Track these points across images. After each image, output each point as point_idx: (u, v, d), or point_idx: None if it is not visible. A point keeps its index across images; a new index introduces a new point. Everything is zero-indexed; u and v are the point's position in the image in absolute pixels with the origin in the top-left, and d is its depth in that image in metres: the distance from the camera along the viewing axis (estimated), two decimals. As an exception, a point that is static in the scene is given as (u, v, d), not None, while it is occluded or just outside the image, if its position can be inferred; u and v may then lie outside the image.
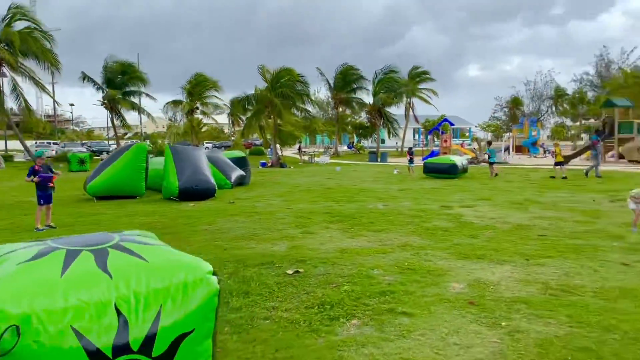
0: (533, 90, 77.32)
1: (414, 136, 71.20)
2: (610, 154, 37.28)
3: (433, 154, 41.97)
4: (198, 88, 40.11)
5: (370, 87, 46.56)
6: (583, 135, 68.11)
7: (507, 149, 51.26)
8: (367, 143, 63.12)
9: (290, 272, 6.79)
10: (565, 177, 20.90)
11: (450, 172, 21.94)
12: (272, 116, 36.25)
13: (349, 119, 51.81)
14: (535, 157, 44.15)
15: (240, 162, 19.79)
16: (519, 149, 47.88)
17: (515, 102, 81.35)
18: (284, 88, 35.64)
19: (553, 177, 21.55)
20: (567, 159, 37.21)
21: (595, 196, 14.78)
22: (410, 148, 27.26)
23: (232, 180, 18.16)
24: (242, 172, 19.11)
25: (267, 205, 13.97)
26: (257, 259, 7.53)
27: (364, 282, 6.28)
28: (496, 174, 22.68)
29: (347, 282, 6.29)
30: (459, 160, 22.61)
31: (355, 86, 48.24)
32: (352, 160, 43.64)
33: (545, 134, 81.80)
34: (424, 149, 46.69)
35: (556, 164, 22.12)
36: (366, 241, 8.82)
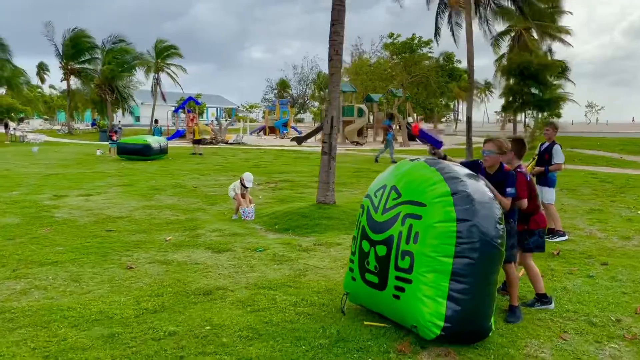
0: (300, 74, 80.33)
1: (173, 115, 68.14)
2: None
3: (178, 133, 40.30)
4: None
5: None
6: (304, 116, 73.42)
7: (262, 129, 52.17)
8: (123, 120, 58.19)
9: None
10: (201, 154, 23.00)
11: (144, 153, 20.27)
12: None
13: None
14: (282, 137, 45.23)
15: None
16: (272, 130, 48.93)
17: (282, 85, 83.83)
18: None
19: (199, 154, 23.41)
20: (303, 138, 38.86)
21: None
22: (114, 126, 24.80)
23: None
24: None
25: None
26: None
27: None
28: (200, 154, 22.39)
29: None
30: (155, 140, 21.04)
31: (89, 56, 43.49)
32: (85, 139, 39.15)
33: (310, 117, 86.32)
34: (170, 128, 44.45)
35: (194, 142, 24.85)
36: None
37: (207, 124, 44.84)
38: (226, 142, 35.39)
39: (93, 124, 56.66)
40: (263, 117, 62.48)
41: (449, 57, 37.40)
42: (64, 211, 9.50)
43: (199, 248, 7.03)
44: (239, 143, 35.22)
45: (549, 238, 7.44)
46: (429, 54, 37.73)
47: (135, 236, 7.68)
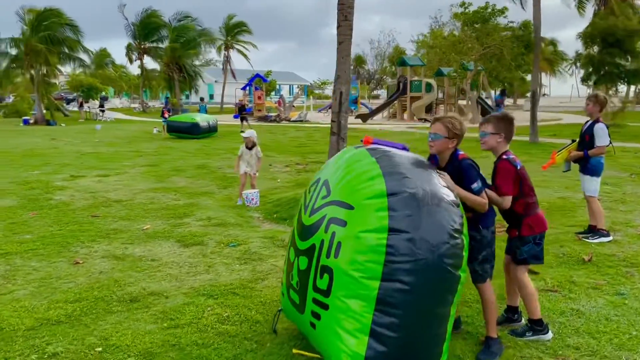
0: (377, 49, 78.41)
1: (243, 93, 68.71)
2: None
3: (247, 110, 40.29)
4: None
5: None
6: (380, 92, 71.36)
7: (330, 106, 51.32)
8: (196, 98, 59.33)
9: None
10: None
11: (192, 131, 20.02)
12: (34, 66, 31.48)
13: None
14: (351, 114, 44.07)
15: None
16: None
17: (358, 61, 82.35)
18: (49, 31, 31.04)
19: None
20: (368, 115, 37.63)
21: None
22: (166, 104, 24.85)
23: None
24: None
25: None
26: None
27: None
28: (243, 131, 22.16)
29: None
30: (203, 119, 20.71)
31: (161, 35, 44.26)
32: (155, 117, 40.03)
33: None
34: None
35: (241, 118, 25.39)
36: None
37: (274, 102, 44.71)
38: (289, 120, 34.86)
39: (166, 102, 58.16)
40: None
41: (525, 25, 34.27)
42: (67, 194, 9.14)
43: (169, 240, 6.30)
44: (301, 121, 34.57)
45: (587, 238, 6.04)
46: (510, 25, 34.86)
47: (116, 223, 7.10)
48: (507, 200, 3.56)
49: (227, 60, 50.79)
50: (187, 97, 41.37)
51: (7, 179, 10.53)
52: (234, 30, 50.15)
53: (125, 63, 59.08)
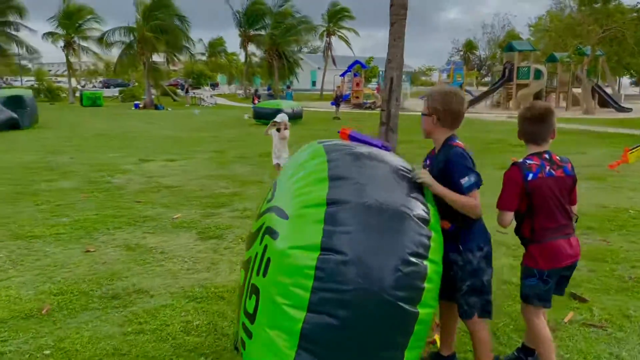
0: (490, 33, 74.47)
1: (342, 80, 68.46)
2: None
3: (344, 97, 40.04)
4: (74, 18, 36.53)
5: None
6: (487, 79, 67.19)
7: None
8: (298, 85, 60.12)
9: None
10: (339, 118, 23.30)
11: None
12: (145, 53, 33.36)
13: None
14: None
15: (12, 102, 17.43)
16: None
17: (469, 46, 78.90)
18: (158, 20, 32.68)
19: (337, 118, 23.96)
20: (470, 103, 35.78)
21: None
22: (256, 90, 25.20)
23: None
24: (10, 114, 16.87)
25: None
26: None
27: None
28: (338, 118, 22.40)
29: None
30: (288, 105, 20.66)
31: (265, 22, 45.05)
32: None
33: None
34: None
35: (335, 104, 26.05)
36: None
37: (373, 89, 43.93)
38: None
39: (269, 89, 59.48)
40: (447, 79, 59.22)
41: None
42: (125, 177, 9.30)
43: (191, 231, 6.05)
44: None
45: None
46: (638, 5, 31.09)
47: (152, 210, 7.01)
48: (504, 217, 2.78)
49: (328, 46, 50.66)
50: (289, 84, 41.70)
51: (81, 160, 11.02)
52: (336, 17, 49.85)
53: (238, 51, 61.29)
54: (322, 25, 49.14)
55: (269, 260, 2.49)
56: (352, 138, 3.10)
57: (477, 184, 2.64)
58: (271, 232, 2.56)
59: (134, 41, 34.26)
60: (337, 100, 27.48)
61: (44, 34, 37.47)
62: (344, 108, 30.81)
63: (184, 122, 21.85)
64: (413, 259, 2.33)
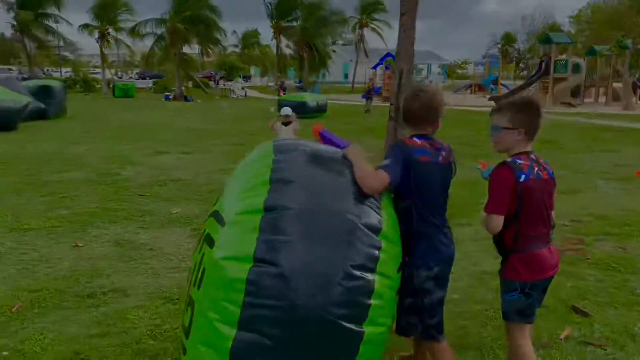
0: (529, 26, 72.37)
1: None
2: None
3: (376, 90, 39.55)
4: (108, 10, 37.05)
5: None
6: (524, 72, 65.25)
7: (469, 86, 48.48)
8: (329, 78, 59.78)
9: None
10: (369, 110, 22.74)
11: (300, 110, 19.76)
12: (176, 45, 33.62)
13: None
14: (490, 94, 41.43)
15: (41, 92, 17.71)
16: (480, 88, 45.40)
17: (507, 39, 76.94)
18: (190, 11, 32.88)
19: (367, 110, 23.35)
20: (502, 98, 34.80)
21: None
22: (282, 82, 25.08)
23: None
24: (37, 104, 17.14)
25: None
26: None
27: None
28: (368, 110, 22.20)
29: None
30: (313, 98, 20.45)
31: (296, 14, 44.82)
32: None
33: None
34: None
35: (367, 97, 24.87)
36: None
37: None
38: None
39: (299, 82, 59.33)
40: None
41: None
42: (135, 170, 9.25)
43: (186, 228, 5.92)
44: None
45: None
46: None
47: (154, 204, 6.91)
48: (493, 222, 2.48)
49: (361, 39, 50.13)
50: (322, 76, 41.43)
51: (96, 151, 11.06)
52: (369, 9, 49.26)
53: (271, 43, 61.47)
54: (355, 17, 48.62)
55: (204, 270, 2.28)
56: (322, 136, 2.89)
57: (391, 168, 2.41)
58: (209, 240, 2.35)
59: (165, 32, 34.59)
60: (369, 93, 27.10)
61: (80, 25, 38.14)
62: (375, 101, 30.40)
63: (210, 114, 21.89)
64: (357, 273, 2.09)
